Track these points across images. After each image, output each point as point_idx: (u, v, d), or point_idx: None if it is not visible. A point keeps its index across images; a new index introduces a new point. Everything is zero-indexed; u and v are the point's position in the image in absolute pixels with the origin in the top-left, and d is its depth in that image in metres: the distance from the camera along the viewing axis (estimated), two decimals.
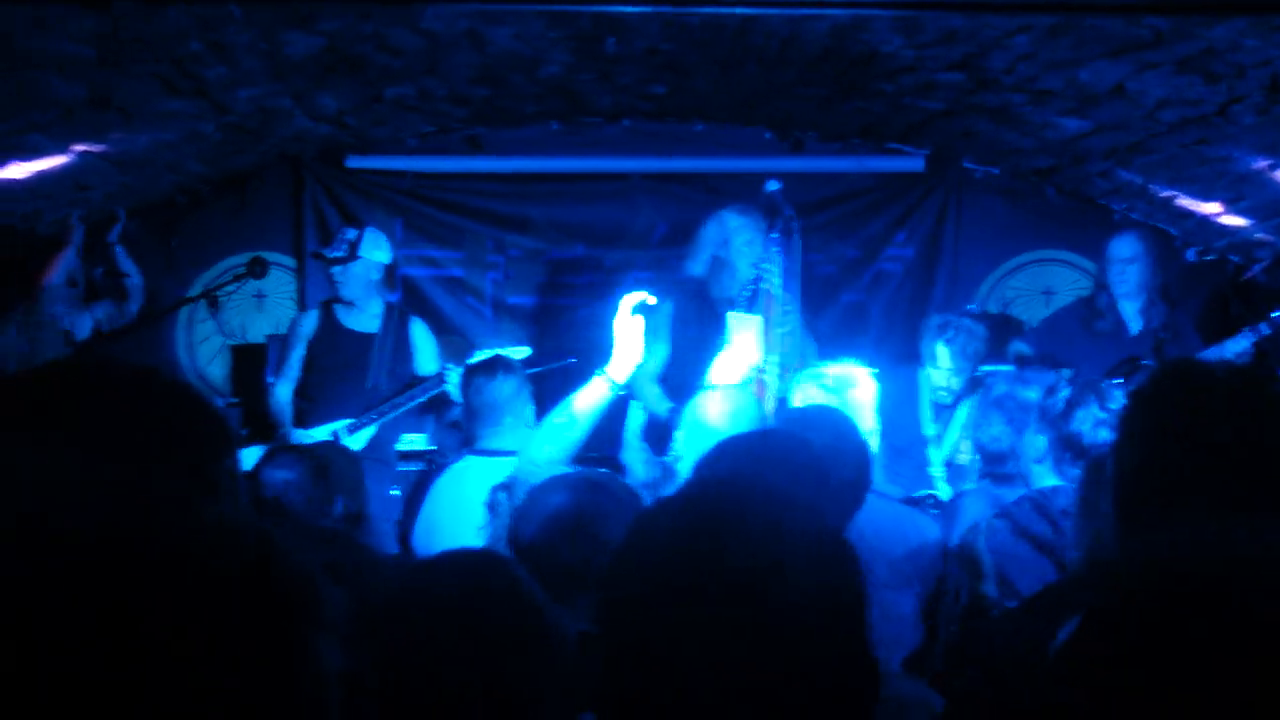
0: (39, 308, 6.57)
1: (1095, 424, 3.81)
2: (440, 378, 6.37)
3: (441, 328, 8.06)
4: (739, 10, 5.28)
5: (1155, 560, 1.14)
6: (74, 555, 0.90)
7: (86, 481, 0.99)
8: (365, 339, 6.56)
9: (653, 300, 4.23)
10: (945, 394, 5.81)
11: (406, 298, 8.13)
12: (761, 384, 5.30)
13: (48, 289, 6.43)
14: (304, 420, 6.48)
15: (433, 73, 6.40)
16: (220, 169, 7.61)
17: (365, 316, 6.62)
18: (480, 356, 6.19)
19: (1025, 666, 2.12)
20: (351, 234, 6.65)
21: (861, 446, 3.40)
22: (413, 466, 7.05)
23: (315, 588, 1.00)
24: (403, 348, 6.63)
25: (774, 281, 5.66)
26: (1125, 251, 6.53)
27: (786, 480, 2.70)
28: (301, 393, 6.56)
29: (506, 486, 3.78)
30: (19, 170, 6.11)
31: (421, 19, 5.40)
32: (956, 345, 5.75)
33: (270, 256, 6.89)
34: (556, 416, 3.94)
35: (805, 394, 4.57)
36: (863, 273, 8.28)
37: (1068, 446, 3.84)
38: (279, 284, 7.94)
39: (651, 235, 8.19)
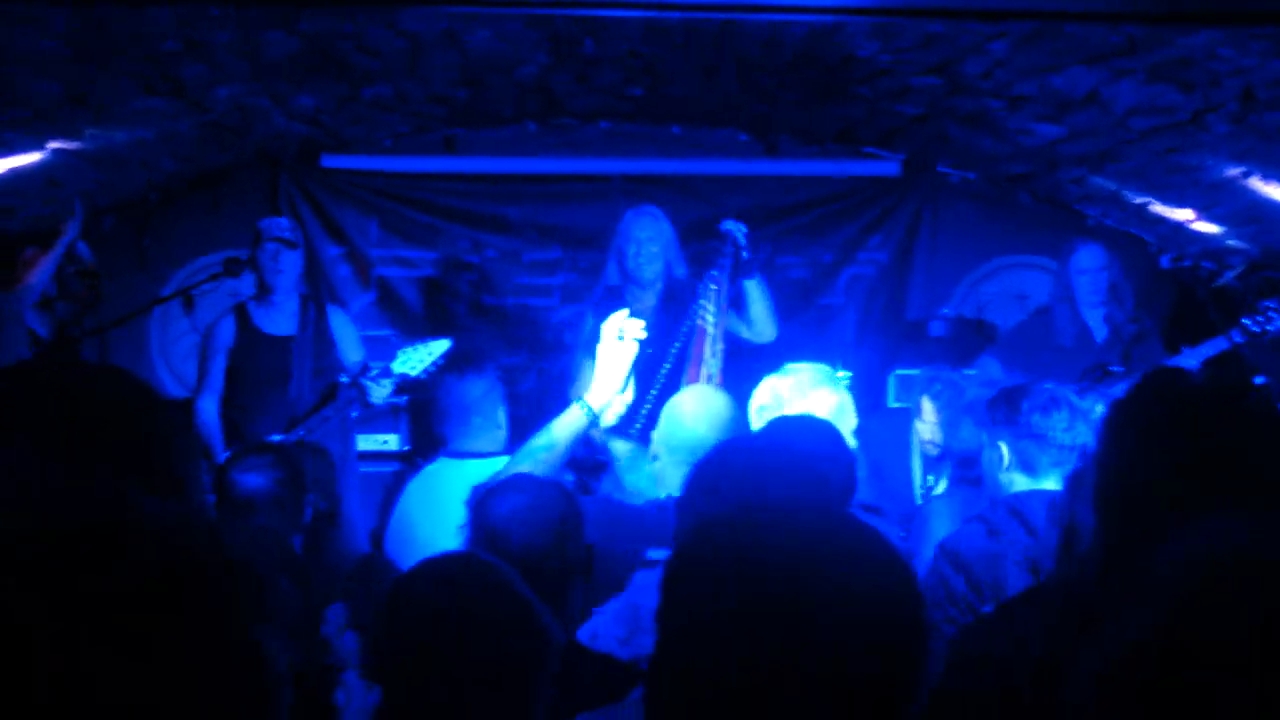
0: (8, 305, 6.50)
1: (1050, 418, 3.81)
2: (361, 388, 6.10)
3: (417, 328, 8.06)
4: (717, 16, 5.29)
5: (1231, 553, 1.14)
6: (14, 551, 0.91)
7: (35, 479, 1.00)
8: (284, 343, 6.32)
9: (640, 328, 4.14)
10: (933, 447, 5.70)
11: (381, 298, 8.13)
12: None
13: (25, 287, 6.35)
14: (232, 436, 6.18)
15: (411, 73, 6.39)
16: (196, 167, 7.59)
17: (283, 317, 6.38)
18: (405, 354, 6.14)
19: (1032, 670, 2.13)
20: (288, 222, 6.54)
21: (849, 456, 3.41)
22: (379, 468, 7.05)
23: (259, 583, 1.01)
24: (323, 342, 6.39)
25: (708, 319, 5.67)
26: (1092, 262, 6.53)
27: (789, 490, 2.71)
28: (227, 406, 6.30)
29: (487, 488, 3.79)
30: None
31: (400, 20, 5.40)
32: (943, 400, 5.67)
33: (245, 256, 6.84)
34: (537, 440, 3.94)
35: (777, 399, 4.55)
36: (837, 276, 8.30)
37: (1027, 443, 3.84)
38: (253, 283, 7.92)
39: None
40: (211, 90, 6.01)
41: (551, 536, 2.95)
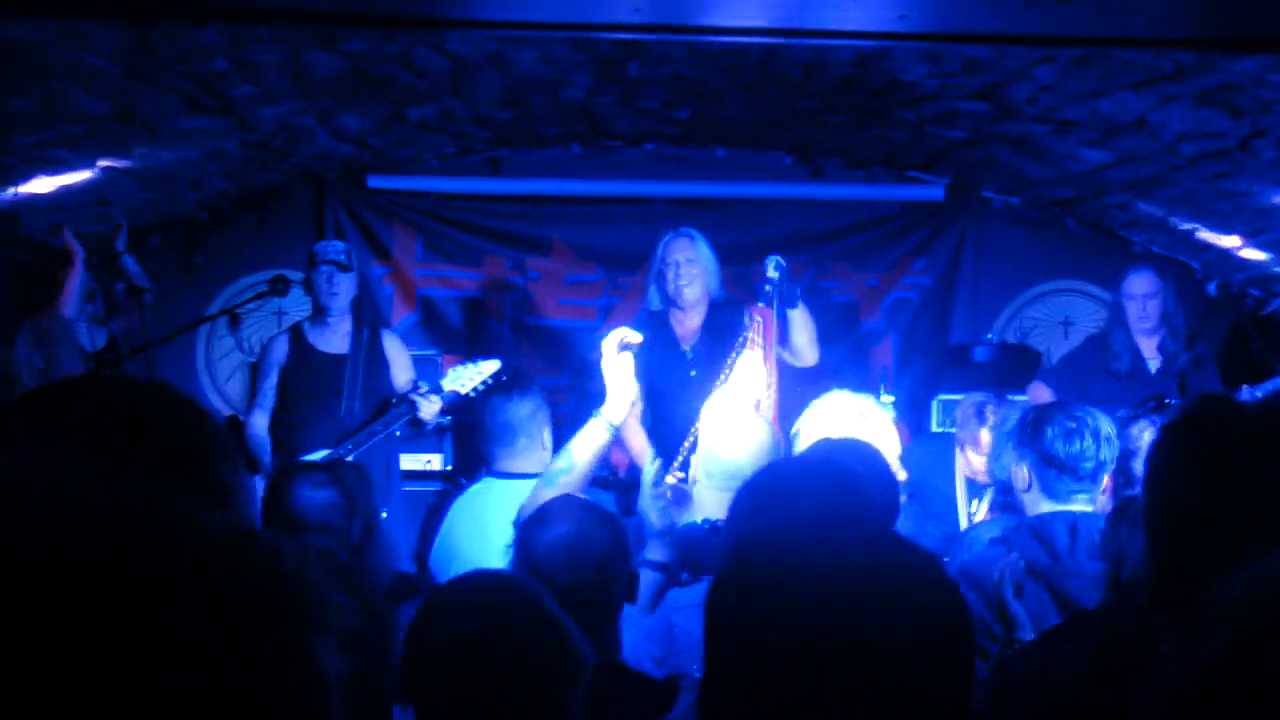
0: (56, 322, 6.56)
1: (1067, 435, 3.78)
2: (411, 403, 6.17)
3: (459, 348, 8.08)
4: (761, 40, 5.30)
5: None
6: (76, 564, 0.91)
7: (92, 493, 1.01)
8: (338, 360, 6.40)
9: (637, 338, 4.20)
10: (986, 477, 5.59)
11: (425, 317, 8.16)
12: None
13: (64, 302, 6.42)
14: (281, 451, 6.28)
15: (456, 94, 6.42)
16: (243, 186, 7.64)
17: (336, 337, 6.46)
18: (456, 372, 6.18)
19: (1077, 699, 2.11)
20: (343, 245, 6.59)
21: (892, 479, 3.40)
22: (425, 486, 7.06)
23: (314, 592, 1.01)
24: (376, 363, 6.46)
25: (756, 348, 5.69)
26: (1144, 287, 6.48)
27: (832, 512, 2.70)
28: (277, 422, 6.39)
29: None
30: (43, 184, 6.14)
31: (447, 41, 5.43)
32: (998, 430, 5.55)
33: (291, 274, 6.87)
34: (557, 464, 3.94)
35: (820, 423, 4.53)
36: (881, 301, 8.28)
37: (1046, 463, 3.81)
38: (300, 302, 7.95)
39: None
40: (258, 110, 6.05)
41: (595, 564, 2.94)
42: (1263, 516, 1.78)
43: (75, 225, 6.83)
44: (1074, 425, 3.78)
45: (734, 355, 5.72)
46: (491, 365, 6.20)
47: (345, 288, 6.44)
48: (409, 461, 7.22)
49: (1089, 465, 3.75)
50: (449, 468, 7.29)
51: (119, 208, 6.95)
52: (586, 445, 3.93)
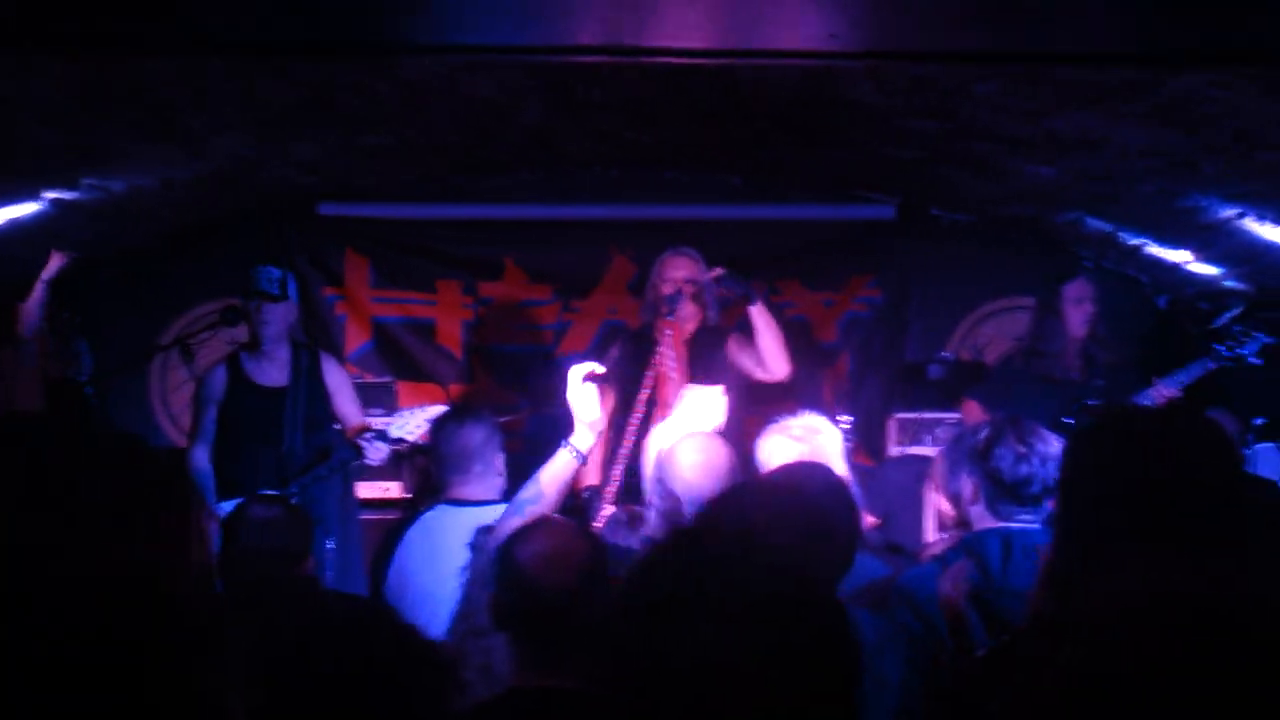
0: (16, 360, 6.52)
1: (1015, 459, 3.78)
2: (357, 449, 6.09)
3: (414, 374, 8.07)
4: (708, 61, 5.32)
5: (1155, 594, 1.15)
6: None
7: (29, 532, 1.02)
8: (276, 393, 6.29)
9: (601, 370, 4.21)
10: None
11: (380, 344, 8.14)
12: None
13: (21, 338, 6.37)
14: (226, 488, 6.11)
15: (410, 122, 6.42)
16: (196, 216, 7.61)
17: (274, 367, 6.34)
18: (402, 417, 6.14)
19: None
20: (277, 273, 6.37)
21: (851, 502, 3.41)
22: (383, 514, 7.03)
23: (218, 621, 1.03)
24: (316, 392, 6.36)
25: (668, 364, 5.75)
26: (1084, 293, 6.59)
27: (797, 538, 2.71)
28: (220, 457, 6.26)
29: (490, 529, 3.79)
30: None
31: (399, 68, 5.42)
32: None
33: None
34: (525, 494, 3.94)
35: (773, 445, 4.53)
36: (836, 320, 8.32)
37: (993, 484, 3.81)
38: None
39: (625, 281, 8.22)
40: (210, 140, 6.03)
41: (578, 579, 2.96)
42: (1157, 521, 1.81)
43: (23, 258, 6.79)
44: (1024, 450, 3.77)
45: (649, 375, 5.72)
46: (437, 410, 6.15)
47: (276, 317, 6.32)
48: (367, 489, 7.19)
49: (1034, 490, 3.75)
50: (408, 495, 7.27)
51: (69, 239, 6.90)
52: (554, 475, 3.94)
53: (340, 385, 6.45)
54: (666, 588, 1.45)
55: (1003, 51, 4.91)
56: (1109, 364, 6.56)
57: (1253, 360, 6.30)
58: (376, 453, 6.07)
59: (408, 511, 6.91)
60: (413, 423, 6.09)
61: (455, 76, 5.64)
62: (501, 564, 3.04)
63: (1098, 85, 5.09)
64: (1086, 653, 1.15)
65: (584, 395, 4.07)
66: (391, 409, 6.95)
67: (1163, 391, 6.26)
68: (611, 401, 5.88)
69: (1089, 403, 6.29)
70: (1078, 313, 6.57)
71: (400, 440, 6.10)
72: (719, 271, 6.11)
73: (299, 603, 4.16)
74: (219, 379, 6.32)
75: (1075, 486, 1.95)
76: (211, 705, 1.02)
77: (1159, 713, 1.10)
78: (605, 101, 6.26)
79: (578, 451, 3.98)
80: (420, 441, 6.11)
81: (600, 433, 4.11)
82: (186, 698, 1.00)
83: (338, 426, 6.41)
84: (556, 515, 3.69)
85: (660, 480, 4.13)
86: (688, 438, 4.31)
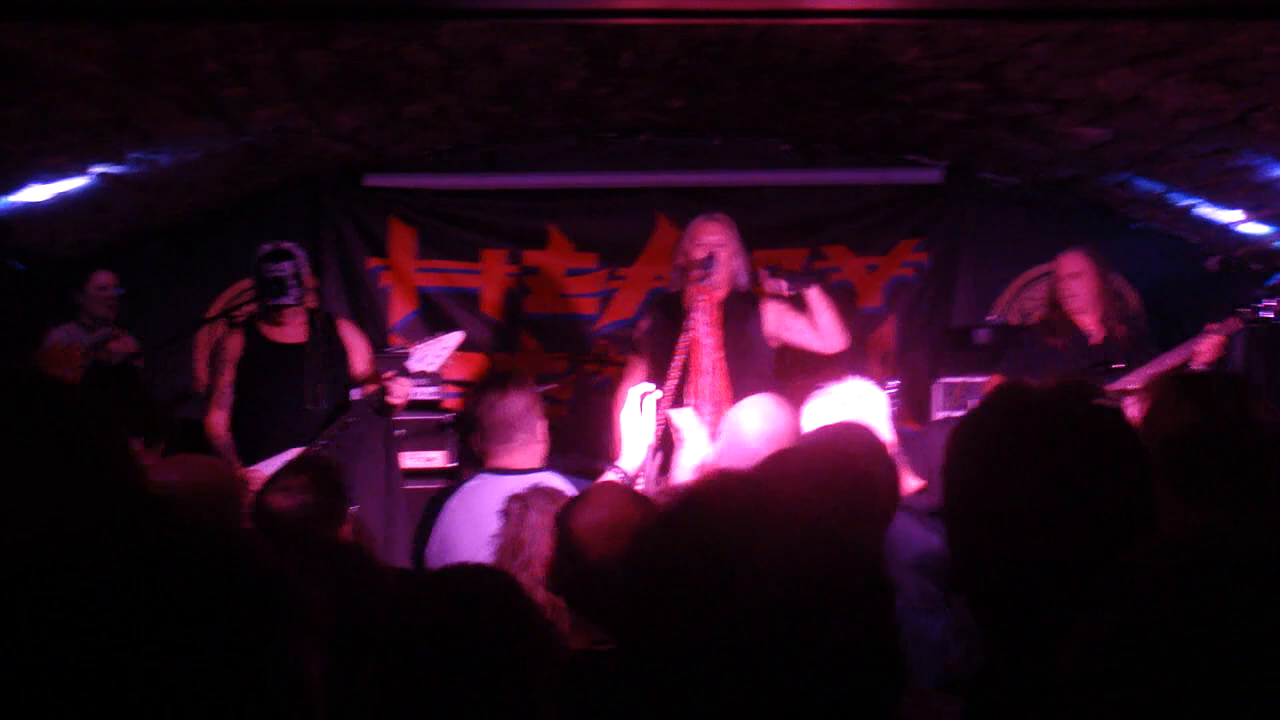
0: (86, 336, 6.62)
1: None
2: (381, 388, 5.98)
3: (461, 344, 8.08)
4: (754, 20, 5.27)
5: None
6: (55, 565, 0.91)
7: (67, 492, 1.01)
8: (295, 350, 6.19)
9: (659, 393, 4.20)
10: None
11: (425, 312, 8.15)
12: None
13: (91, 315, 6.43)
14: (246, 452, 6.03)
15: (449, 90, 6.40)
16: (239, 188, 7.63)
17: (290, 328, 6.22)
18: (420, 350, 6.09)
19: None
20: (289, 267, 6.18)
21: (891, 462, 3.39)
22: (428, 484, 7.03)
23: (290, 591, 1.01)
24: (334, 352, 6.26)
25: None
26: (1069, 268, 6.55)
27: (836, 499, 2.69)
28: (241, 419, 6.18)
29: (521, 497, 3.80)
30: (39, 192, 6.12)
31: (438, 36, 5.40)
32: None
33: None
34: None
35: (818, 411, 4.51)
36: (881, 284, 8.27)
37: None
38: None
39: (670, 249, 8.18)
40: (252, 111, 6.03)
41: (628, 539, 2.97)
42: (1042, 502, 1.77)
43: (73, 233, 6.84)
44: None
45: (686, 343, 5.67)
46: (455, 337, 6.11)
47: (293, 299, 6.16)
48: (411, 460, 7.20)
49: None
50: (453, 464, 7.28)
51: (115, 213, 6.94)
52: None
53: (356, 343, 6.36)
54: (708, 541, 1.43)
55: (1057, 6, 4.84)
56: (1125, 336, 6.48)
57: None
58: (400, 388, 6.01)
59: (453, 481, 6.94)
60: (430, 354, 6.05)
61: (496, 43, 5.62)
62: (558, 531, 3.07)
63: (1148, 44, 5.01)
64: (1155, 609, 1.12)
65: (638, 421, 4.06)
66: (435, 380, 6.94)
67: (1169, 362, 6.15)
68: (644, 371, 5.85)
69: (1115, 365, 6.23)
70: (1073, 286, 6.51)
71: (421, 374, 6.06)
72: (780, 284, 6.01)
73: (350, 570, 4.17)
74: (236, 341, 6.28)
75: (958, 467, 1.91)
76: (287, 669, 1.00)
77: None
78: (647, 67, 6.22)
79: (624, 474, 3.99)
80: (439, 372, 6.10)
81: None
82: (261, 659, 0.99)
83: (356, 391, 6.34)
84: (614, 481, 3.70)
85: (729, 445, 4.12)
86: (753, 403, 4.28)
